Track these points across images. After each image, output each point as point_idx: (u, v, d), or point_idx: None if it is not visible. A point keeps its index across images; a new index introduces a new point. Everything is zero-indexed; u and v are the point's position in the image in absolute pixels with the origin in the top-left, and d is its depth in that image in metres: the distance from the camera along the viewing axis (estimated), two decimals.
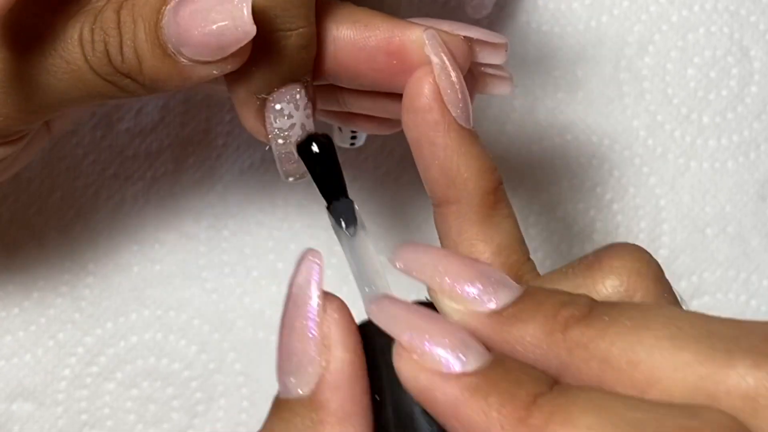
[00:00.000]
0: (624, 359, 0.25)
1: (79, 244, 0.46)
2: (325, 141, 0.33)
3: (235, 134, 0.47)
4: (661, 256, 0.49)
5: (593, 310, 0.26)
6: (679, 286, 0.49)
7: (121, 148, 0.46)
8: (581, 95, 0.48)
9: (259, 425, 0.48)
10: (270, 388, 0.47)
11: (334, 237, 0.47)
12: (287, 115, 0.32)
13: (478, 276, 0.27)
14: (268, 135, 0.33)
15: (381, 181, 0.48)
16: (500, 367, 0.25)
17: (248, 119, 0.33)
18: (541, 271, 0.48)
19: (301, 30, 0.31)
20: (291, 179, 0.34)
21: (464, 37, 0.33)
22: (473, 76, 0.35)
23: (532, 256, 0.48)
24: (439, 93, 0.32)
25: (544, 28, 0.48)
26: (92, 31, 0.31)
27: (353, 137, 0.42)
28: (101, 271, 0.47)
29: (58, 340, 0.46)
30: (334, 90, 0.36)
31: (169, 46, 0.30)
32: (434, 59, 0.32)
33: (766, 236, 0.49)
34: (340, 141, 0.42)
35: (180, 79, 0.31)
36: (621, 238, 0.49)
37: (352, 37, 0.33)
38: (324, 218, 0.47)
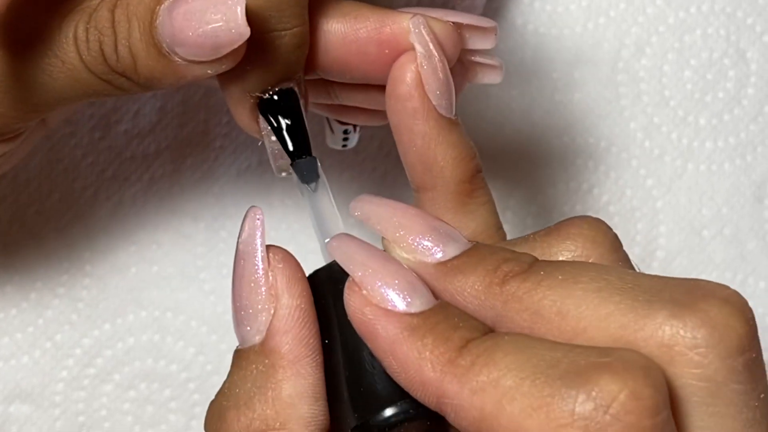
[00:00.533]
0: (554, 311, 0.26)
1: (77, 246, 0.46)
2: (289, 93, 0.33)
3: (232, 136, 0.47)
4: (657, 258, 0.49)
5: (532, 266, 0.28)
6: None
7: (119, 150, 0.46)
8: (578, 97, 0.48)
9: None
10: None
11: None
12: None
13: (429, 229, 0.29)
14: (261, 132, 0.33)
15: (379, 182, 0.48)
16: (441, 312, 0.27)
17: (242, 117, 0.33)
18: None
19: (295, 29, 0.31)
20: (284, 174, 0.34)
21: (453, 23, 0.33)
22: (463, 65, 0.35)
23: None
24: (420, 81, 0.32)
25: (541, 31, 0.48)
26: (87, 30, 0.31)
27: (345, 139, 0.42)
28: (99, 272, 0.47)
29: (56, 341, 0.46)
30: (326, 83, 0.36)
31: (164, 45, 0.30)
32: (417, 47, 0.32)
33: (763, 238, 0.49)
34: (332, 143, 0.42)
35: (175, 78, 0.31)
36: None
37: (343, 31, 0.33)
38: None
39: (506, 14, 0.48)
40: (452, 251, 0.28)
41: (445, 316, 0.27)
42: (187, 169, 0.47)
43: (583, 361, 0.25)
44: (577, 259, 0.30)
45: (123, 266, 0.47)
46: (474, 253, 0.28)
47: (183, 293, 0.47)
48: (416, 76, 0.32)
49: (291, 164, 0.33)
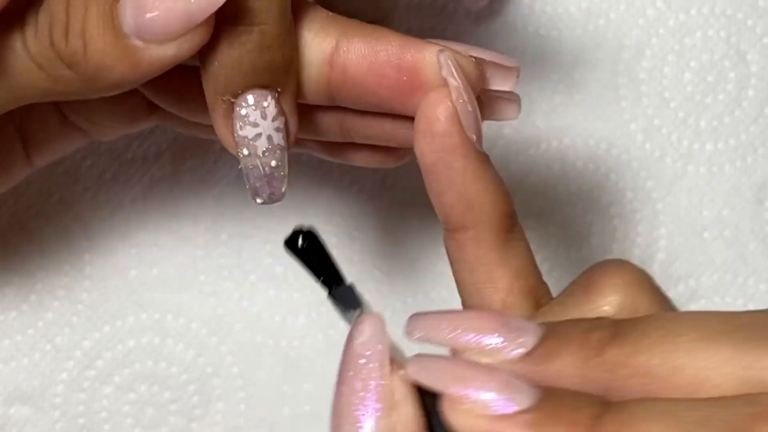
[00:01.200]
0: (666, 368, 0.25)
1: (77, 248, 0.46)
2: (310, 234, 0.32)
3: None
4: (658, 260, 0.49)
5: (619, 328, 0.26)
6: (677, 290, 0.49)
7: (119, 152, 0.46)
8: (578, 99, 0.48)
9: (256, 429, 0.48)
10: (267, 392, 0.48)
11: (332, 241, 0.47)
12: (252, 123, 0.31)
13: (499, 326, 0.27)
14: (236, 147, 0.32)
15: (379, 184, 0.48)
16: (552, 398, 0.26)
17: (218, 125, 0.32)
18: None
19: (263, 27, 0.30)
20: (259, 201, 0.33)
21: (476, 58, 0.33)
22: (481, 100, 0.34)
23: None
24: (458, 116, 0.31)
25: (542, 32, 0.48)
26: (37, 14, 0.30)
27: None
28: (99, 274, 0.47)
29: (56, 343, 0.46)
30: (338, 117, 0.35)
31: (124, 25, 0.29)
32: (452, 81, 0.31)
33: (763, 240, 0.49)
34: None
35: (127, 66, 0.29)
36: (618, 242, 0.49)
37: (363, 50, 0.32)
38: (321, 222, 0.47)
39: (506, 16, 0.48)
40: (532, 339, 0.27)
41: (558, 401, 0.26)
42: (187, 171, 0.47)
43: (732, 413, 0.24)
44: (629, 310, 0.29)
45: (123, 268, 0.47)
46: (554, 333, 0.27)
47: (183, 295, 0.47)
48: (453, 112, 0.31)
49: (328, 296, 0.32)
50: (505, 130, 0.48)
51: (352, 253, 0.48)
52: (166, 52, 0.29)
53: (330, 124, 0.35)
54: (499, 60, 0.33)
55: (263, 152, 0.32)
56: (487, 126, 0.48)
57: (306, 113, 0.34)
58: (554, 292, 0.48)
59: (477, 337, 0.27)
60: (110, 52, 0.29)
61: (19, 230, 0.46)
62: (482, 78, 0.33)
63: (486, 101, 0.34)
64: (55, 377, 0.46)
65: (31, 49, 0.30)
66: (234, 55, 0.30)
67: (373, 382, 0.28)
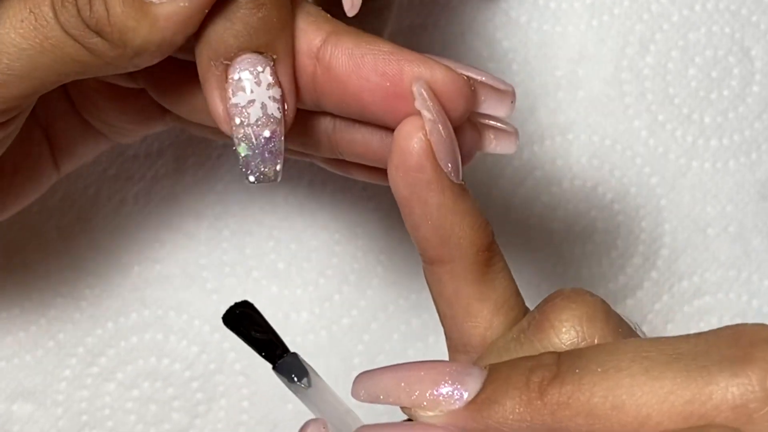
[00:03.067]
0: (608, 406, 0.25)
1: (79, 245, 0.46)
2: (246, 307, 0.32)
3: None
4: (662, 256, 0.49)
5: (561, 365, 0.26)
6: (680, 286, 0.49)
7: (121, 149, 0.46)
8: (582, 95, 0.48)
9: (259, 425, 0.48)
10: (270, 389, 0.48)
11: (335, 237, 0.47)
12: (245, 89, 0.30)
13: (441, 375, 0.27)
14: (231, 125, 0.31)
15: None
16: None
17: (210, 97, 0.31)
18: (542, 274, 0.48)
19: None
20: (252, 179, 0.31)
21: (469, 78, 0.32)
22: (474, 128, 0.33)
23: (532, 258, 0.48)
24: (431, 150, 0.30)
25: (545, 28, 0.48)
26: None
27: None
28: (101, 271, 0.47)
29: (59, 340, 0.46)
30: (327, 129, 0.34)
31: None
32: (426, 114, 0.30)
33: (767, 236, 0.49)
34: None
35: (147, 26, 0.29)
36: (622, 238, 0.48)
37: (350, 49, 0.31)
38: (325, 218, 0.47)
39: (510, 11, 0.48)
40: (474, 385, 0.27)
41: None
42: (190, 167, 0.47)
43: None
44: (581, 344, 0.29)
45: (126, 265, 0.47)
46: (496, 375, 0.27)
47: (186, 292, 0.47)
48: (425, 146, 0.30)
49: (273, 368, 0.32)
50: None
51: (356, 249, 0.48)
52: (179, 5, 0.29)
53: (319, 136, 0.34)
54: (493, 82, 0.32)
55: (256, 121, 0.31)
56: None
57: (294, 124, 0.33)
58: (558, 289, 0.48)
59: (421, 393, 0.27)
60: (129, 12, 0.29)
61: (21, 227, 0.46)
62: (472, 98, 0.32)
63: (480, 129, 0.33)
64: (57, 374, 0.46)
65: (61, 19, 0.30)
66: (226, 14, 0.30)
67: None
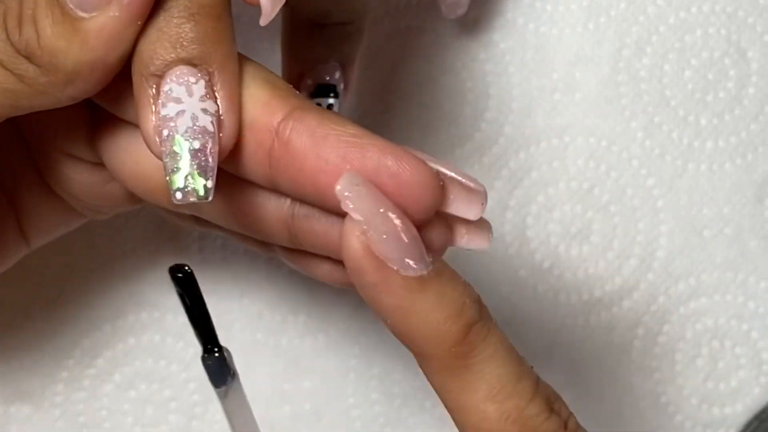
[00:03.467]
0: None
1: (76, 247, 0.46)
2: (190, 275, 0.30)
3: None
4: (658, 258, 0.49)
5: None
6: (677, 288, 0.49)
7: None
8: (579, 97, 0.48)
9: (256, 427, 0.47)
10: (268, 390, 0.48)
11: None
12: (175, 99, 0.28)
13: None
14: (156, 134, 0.28)
15: None
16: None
17: (142, 115, 0.29)
18: (540, 274, 0.48)
19: None
20: (179, 197, 0.28)
21: (439, 173, 0.29)
22: (445, 223, 0.30)
23: (529, 258, 0.48)
24: (369, 251, 0.28)
25: (542, 30, 0.48)
26: None
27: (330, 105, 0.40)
28: (98, 273, 0.47)
29: (56, 342, 0.46)
30: (285, 217, 0.32)
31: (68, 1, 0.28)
32: (356, 216, 0.28)
33: (764, 238, 0.49)
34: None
35: (78, 44, 0.28)
36: (619, 240, 0.49)
37: (313, 127, 0.29)
38: None
39: (507, 13, 0.48)
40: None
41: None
42: None
43: None
44: None
45: (123, 267, 0.47)
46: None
47: None
48: (361, 249, 0.28)
49: (201, 358, 0.29)
50: (505, 128, 0.48)
51: None
52: (109, 15, 0.28)
53: (277, 224, 0.32)
54: (462, 178, 0.29)
55: (185, 131, 0.28)
56: (486, 124, 0.48)
57: (252, 209, 0.32)
58: (555, 293, 0.48)
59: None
60: (59, 32, 0.28)
61: None
62: (440, 193, 0.29)
63: (453, 223, 0.30)
64: (55, 376, 0.46)
65: None
66: (157, 25, 0.28)
67: None
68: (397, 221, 0.28)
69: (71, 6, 0.28)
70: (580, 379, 0.48)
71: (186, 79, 0.28)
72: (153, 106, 0.28)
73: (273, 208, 0.31)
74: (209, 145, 0.28)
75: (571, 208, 0.48)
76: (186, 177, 0.28)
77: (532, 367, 0.30)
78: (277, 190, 0.30)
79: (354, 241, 0.28)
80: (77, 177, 0.35)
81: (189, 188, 0.28)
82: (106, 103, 0.31)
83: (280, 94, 0.29)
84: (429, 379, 0.30)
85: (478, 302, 0.29)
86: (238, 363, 0.47)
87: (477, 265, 0.48)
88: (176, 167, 0.28)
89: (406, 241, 0.28)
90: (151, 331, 0.47)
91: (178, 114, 0.28)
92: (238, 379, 0.29)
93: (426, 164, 0.28)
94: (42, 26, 0.28)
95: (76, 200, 0.36)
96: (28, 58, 0.29)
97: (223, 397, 0.29)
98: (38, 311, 0.46)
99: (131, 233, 0.47)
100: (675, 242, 0.49)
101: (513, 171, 0.48)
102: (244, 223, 0.32)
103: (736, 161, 0.49)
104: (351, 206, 0.28)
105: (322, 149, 0.28)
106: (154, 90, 0.28)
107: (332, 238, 0.30)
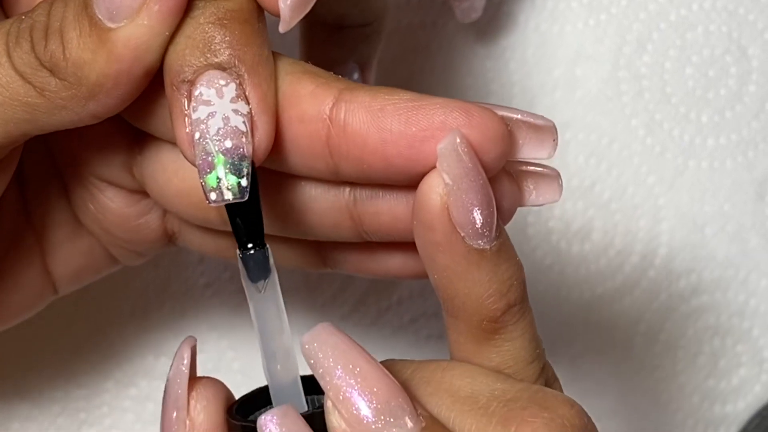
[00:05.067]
0: None
1: None
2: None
3: None
4: (659, 255, 0.49)
5: None
6: (678, 286, 0.49)
7: None
8: (580, 94, 0.48)
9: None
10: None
11: None
12: (205, 102, 0.28)
13: (387, 397, 0.26)
14: (191, 141, 0.28)
15: None
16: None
17: (176, 125, 0.28)
18: (541, 272, 0.48)
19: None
20: (212, 197, 0.28)
21: (505, 118, 0.28)
22: (513, 181, 0.30)
23: (530, 255, 0.48)
24: (446, 210, 0.27)
25: (543, 27, 0.48)
26: (20, 20, 0.29)
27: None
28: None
29: (56, 340, 0.46)
30: (348, 204, 0.31)
31: (96, 7, 0.28)
32: (446, 179, 0.27)
33: (765, 235, 0.49)
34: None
35: (104, 56, 0.28)
36: (620, 237, 0.49)
37: (367, 103, 0.28)
38: None
39: (508, 10, 0.48)
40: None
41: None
42: None
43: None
44: None
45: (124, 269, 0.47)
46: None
47: (184, 291, 0.47)
48: (441, 204, 0.27)
49: (239, 254, 0.29)
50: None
51: None
52: (138, 27, 0.28)
53: (340, 215, 0.31)
54: (532, 120, 0.29)
55: (217, 131, 0.28)
56: None
57: (308, 206, 0.31)
58: (556, 290, 0.48)
59: (350, 391, 0.26)
60: (86, 43, 0.28)
61: None
62: (509, 145, 0.28)
63: (519, 177, 0.30)
64: (55, 372, 0.46)
65: (13, 56, 0.29)
66: (185, 32, 0.28)
67: (175, 415, 0.30)
68: (482, 194, 0.27)
69: (100, 17, 0.28)
70: (581, 377, 0.48)
71: (216, 82, 0.28)
72: (186, 113, 0.28)
73: (332, 199, 0.31)
74: (242, 145, 0.28)
75: (572, 205, 0.48)
76: (219, 177, 0.28)
77: (543, 350, 0.30)
78: (337, 179, 0.30)
79: (435, 196, 0.27)
80: (112, 205, 0.35)
81: (223, 187, 0.28)
82: (142, 123, 0.31)
83: (324, 82, 0.29)
84: (447, 330, 0.30)
85: (523, 284, 0.29)
86: (238, 360, 0.47)
87: None
88: (209, 168, 0.28)
89: (485, 214, 0.27)
90: (152, 329, 0.47)
91: (209, 116, 0.28)
92: (276, 278, 0.29)
93: (494, 112, 0.28)
94: (69, 38, 0.28)
95: (107, 236, 0.36)
96: (52, 70, 0.28)
97: (259, 292, 0.29)
98: (40, 311, 0.46)
99: None
100: (676, 240, 0.49)
101: None
102: (300, 222, 0.32)
103: (737, 158, 0.49)
104: (445, 165, 0.27)
105: (382, 121, 0.28)
106: (186, 97, 0.28)
107: (398, 215, 0.30)
